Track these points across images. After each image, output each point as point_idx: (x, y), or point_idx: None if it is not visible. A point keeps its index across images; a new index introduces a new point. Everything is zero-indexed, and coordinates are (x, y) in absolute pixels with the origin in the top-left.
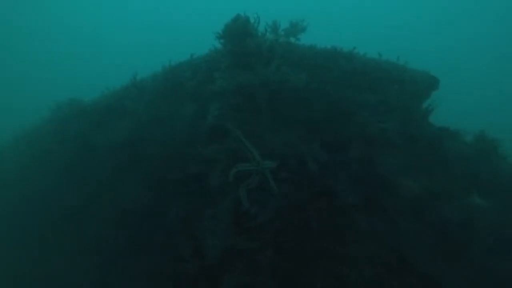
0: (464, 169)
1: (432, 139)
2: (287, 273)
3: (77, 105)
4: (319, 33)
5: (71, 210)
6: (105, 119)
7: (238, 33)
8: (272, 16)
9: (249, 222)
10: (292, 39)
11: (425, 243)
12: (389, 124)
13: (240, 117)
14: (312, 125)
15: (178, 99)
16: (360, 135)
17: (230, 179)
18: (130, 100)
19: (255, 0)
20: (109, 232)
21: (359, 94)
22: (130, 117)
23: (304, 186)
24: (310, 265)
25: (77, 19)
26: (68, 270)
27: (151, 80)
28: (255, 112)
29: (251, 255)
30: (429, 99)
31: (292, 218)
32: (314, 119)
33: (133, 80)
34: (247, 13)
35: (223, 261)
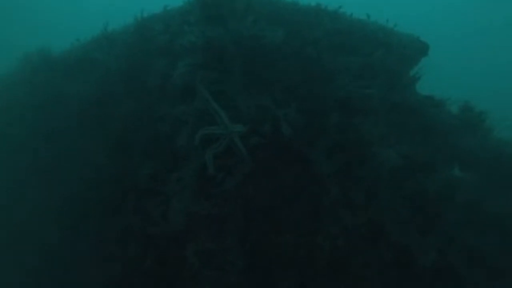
0: (447, 141)
1: (415, 107)
2: (256, 241)
3: (47, 55)
4: None
5: (39, 163)
6: (75, 70)
7: None
8: None
9: (215, 188)
10: None
11: (401, 215)
12: (372, 90)
13: (210, 76)
14: (288, 87)
15: (150, 53)
16: (339, 100)
17: (196, 142)
18: (101, 52)
19: None
20: (79, 191)
21: (342, 56)
22: (99, 70)
23: (277, 153)
24: (281, 234)
25: None
26: (36, 226)
27: (122, 32)
28: (226, 72)
29: (217, 222)
30: (417, 66)
31: (263, 185)
32: (291, 82)
33: (104, 31)
34: None
35: (188, 227)
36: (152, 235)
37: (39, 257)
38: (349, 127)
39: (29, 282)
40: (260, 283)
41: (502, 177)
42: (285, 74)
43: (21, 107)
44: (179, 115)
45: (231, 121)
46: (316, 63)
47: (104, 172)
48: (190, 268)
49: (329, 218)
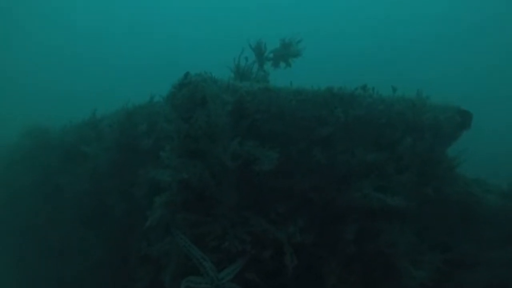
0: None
1: (455, 200)
2: None
3: (43, 137)
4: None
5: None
6: (68, 162)
7: (185, 104)
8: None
9: None
10: (283, 65)
11: None
12: (398, 198)
13: (190, 218)
14: (289, 205)
15: (136, 156)
16: (357, 209)
17: None
18: (90, 146)
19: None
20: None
21: (360, 153)
22: (89, 165)
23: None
24: None
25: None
26: None
27: (109, 125)
28: (209, 214)
29: None
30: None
31: None
32: (292, 199)
33: (92, 120)
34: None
35: None
36: None
37: None
38: (369, 238)
39: None
40: None
41: None
42: (285, 193)
43: (21, 189)
44: (161, 254)
45: (221, 262)
46: (326, 169)
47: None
48: None
49: None
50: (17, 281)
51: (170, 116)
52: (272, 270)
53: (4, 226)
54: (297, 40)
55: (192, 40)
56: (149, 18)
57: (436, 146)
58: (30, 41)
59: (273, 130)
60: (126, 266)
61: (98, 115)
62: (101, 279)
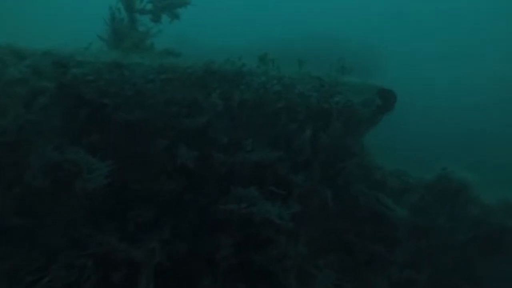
0: None
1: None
2: None
3: None
4: None
5: None
6: None
7: None
8: None
9: None
10: None
11: None
12: (287, 202)
13: None
14: (156, 211)
15: None
16: (239, 217)
17: None
18: None
19: None
20: None
21: (242, 152)
22: None
23: None
24: None
25: None
26: None
27: None
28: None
29: None
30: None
31: None
32: (159, 204)
33: None
34: None
35: None
36: None
37: None
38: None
39: None
40: None
41: None
42: (148, 198)
43: None
44: None
45: None
46: (199, 170)
47: None
48: None
49: None
50: None
51: None
52: None
53: None
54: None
55: None
56: None
57: (348, 135)
58: None
59: (127, 120)
60: None
61: None
62: None
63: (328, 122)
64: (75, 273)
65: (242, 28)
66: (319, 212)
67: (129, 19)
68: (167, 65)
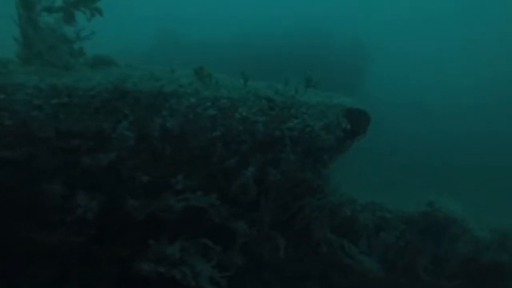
0: None
1: None
2: None
3: None
4: None
5: None
6: None
7: None
8: None
9: None
10: None
11: None
12: None
13: None
14: None
15: None
16: None
17: None
18: None
19: None
20: None
21: None
22: None
23: None
24: None
25: None
26: None
27: None
28: None
29: None
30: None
31: None
32: None
33: None
34: None
35: None
36: None
37: None
38: None
39: None
40: None
41: None
42: None
43: None
44: None
45: None
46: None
47: None
48: None
49: None
50: None
51: None
52: None
53: None
54: None
55: None
56: None
57: (306, 168)
58: None
59: (10, 158)
60: None
61: None
62: None
63: (279, 154)
64: None
65: (227, 22)
66: (270, 265)
67: (28, 19)
68: (61, 86)
